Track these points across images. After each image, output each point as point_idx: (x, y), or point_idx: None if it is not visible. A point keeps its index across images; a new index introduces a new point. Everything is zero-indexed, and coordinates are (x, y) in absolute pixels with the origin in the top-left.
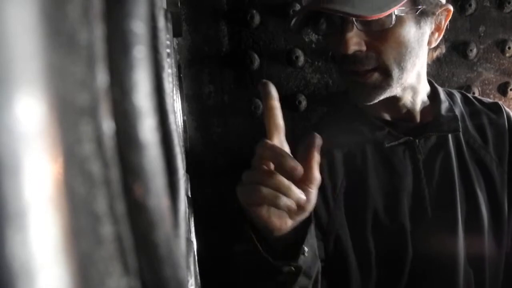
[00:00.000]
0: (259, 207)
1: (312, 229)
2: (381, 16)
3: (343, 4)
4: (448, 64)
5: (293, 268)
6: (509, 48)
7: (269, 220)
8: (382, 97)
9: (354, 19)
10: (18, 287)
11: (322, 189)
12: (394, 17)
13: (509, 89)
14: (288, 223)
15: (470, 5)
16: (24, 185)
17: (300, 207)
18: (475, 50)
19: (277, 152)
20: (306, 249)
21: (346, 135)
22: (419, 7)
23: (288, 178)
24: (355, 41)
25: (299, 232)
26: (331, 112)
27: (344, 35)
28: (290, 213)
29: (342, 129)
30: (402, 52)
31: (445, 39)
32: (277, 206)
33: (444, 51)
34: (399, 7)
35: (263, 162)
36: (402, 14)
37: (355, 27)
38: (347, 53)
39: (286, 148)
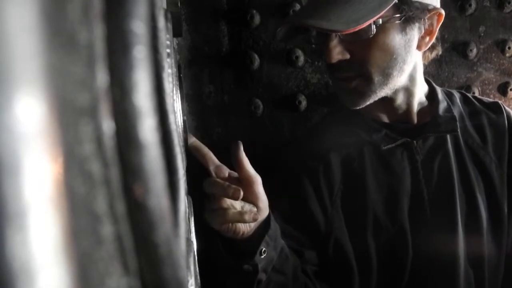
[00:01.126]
0: (226, 224)
1: (273, 231)
2: (357, 29)
3: (320, 20)
4: (448, 64)
5: (250, 266)
6: (509, 48)
7: (236, 229)
8: (368, 102)
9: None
10: (18, 287)
11: (319, 194)
12: (373, 27)
13: (509, 89)
14: (252, 225)
15: (470, 5)
16: (24, 185)
17: (257, 209)
18: (475, 50)
19: (219, 186)
20: (263, 248)
21: (343, 138)
22: (403, 14)
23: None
24: (338, 50)
25: (259, 233)
26: (330, 114)
27: (328, 45)
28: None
29: (339, 133)
30: (386, 59)
31: (443, 40)
32: (244, 221)
33: (440, 52)
34: (377, 18)
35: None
36: (385, 23)
37: (338, 37)
38: (331, 62)
39: (224, 167)
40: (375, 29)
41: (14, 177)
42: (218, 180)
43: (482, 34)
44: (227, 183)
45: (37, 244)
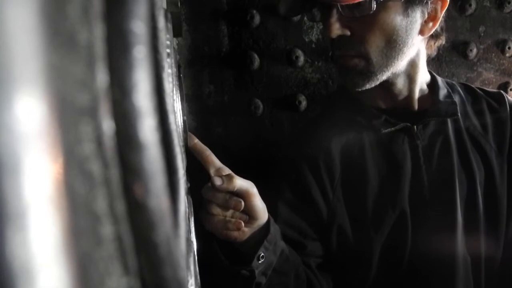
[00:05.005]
0: (216, 229)
1: (273, 235)
2: (354, 2)
3: None
4: (448, 64)
5: (247, 272)
6: (509, 48)
7: (228, 234)
8: (369, 85)
9: (338, 4)
10: (18, 287)
11: (320, 182)
12: (374, 4)
13: (509, 89)
14: (246, 232)
15: (470, 5)
16: (24, 185)
17: (250, 217)
18: (475, 50)
19: (221, 198)
20: (261, 253)
21: (343, 127)
22: None
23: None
24: (338, 25)
25: (258, 237)
26: (329, 105)
27: (329, 19)
28: (245, 224)
29: (339, 121)
30: (386, 39)
31: (444, 30)
32: (228, 229)
33: (444, 42)
34: None
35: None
36: (386, 1)
37: (339, 12)
38: (331, 37)
39: (226, 169)
40: (375, 6)
41: (14, 177)
42: (219, 191)
43: (482, 34)
44: (228, 194)
45: (37, 244)
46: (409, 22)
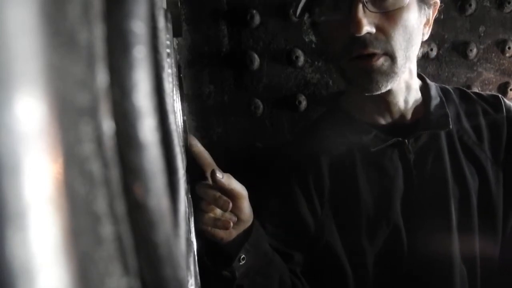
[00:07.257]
0: (205, 226)
1: (255, 239)
2: None
3: None
4: (448, 64)
5: (228, 273)
6: (509, 48)
7: (215, 233)
8: (389, 86)
9: (364, 0)
10: (18, 287)
11: (309, 197)
12: None
13: (509, 89)
14: (233, 233)
15: (470, 5)
16: (24, 185)
17: (238, 219)
18: (475, 50)
19: (211, 195)
20: (242, 255)
21: (334, 142)
22: None
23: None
24: (366, 21)
25: (240, 239)
26: (322, 118)
27: (356, 16)
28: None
29: (330, 136)
30: (407, 37)
31: (443, 40)
32: (217, 227)
33: (424, 50)
34: None
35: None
36: None
37: (365, 8)
38: (359, 34)
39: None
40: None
41: (14, 177)
42: (211, 189)
43: (482, 34)
44: (218, 193)
45: (37, 244)
46: (420, 23)
